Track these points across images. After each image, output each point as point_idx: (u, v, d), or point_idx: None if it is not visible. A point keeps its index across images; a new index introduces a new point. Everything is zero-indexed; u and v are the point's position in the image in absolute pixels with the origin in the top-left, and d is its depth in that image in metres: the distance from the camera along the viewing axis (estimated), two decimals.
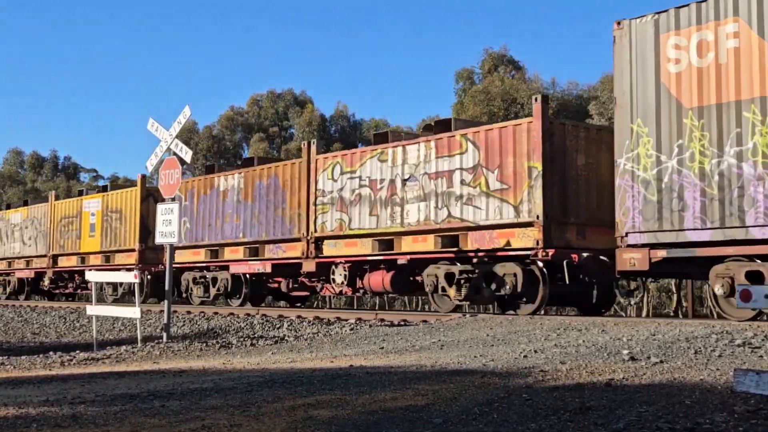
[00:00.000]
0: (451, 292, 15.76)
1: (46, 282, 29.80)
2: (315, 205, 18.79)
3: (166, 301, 14.60)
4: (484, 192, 15.34)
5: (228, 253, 21.52)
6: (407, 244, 16.84)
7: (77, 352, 13.48)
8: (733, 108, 11.61)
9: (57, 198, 30.86)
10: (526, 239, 14.60)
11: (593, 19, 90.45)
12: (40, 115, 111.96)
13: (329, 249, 18.59)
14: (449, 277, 15.91)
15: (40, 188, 61.98)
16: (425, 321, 14.63)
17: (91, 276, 16.65)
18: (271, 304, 25.79)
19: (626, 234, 12.76)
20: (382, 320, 15.62)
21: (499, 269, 15.12)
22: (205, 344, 13.15)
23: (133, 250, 25.03)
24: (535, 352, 9.08)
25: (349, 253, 18.04)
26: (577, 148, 14.90)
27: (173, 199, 14.99)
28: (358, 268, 18.28)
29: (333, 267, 18.64)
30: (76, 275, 28.60)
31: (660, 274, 15.59)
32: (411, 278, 17.43)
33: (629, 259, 12.67)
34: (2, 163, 70.27)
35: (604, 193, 14.35)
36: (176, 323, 17.60)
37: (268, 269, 20.24)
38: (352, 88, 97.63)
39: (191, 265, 22.82)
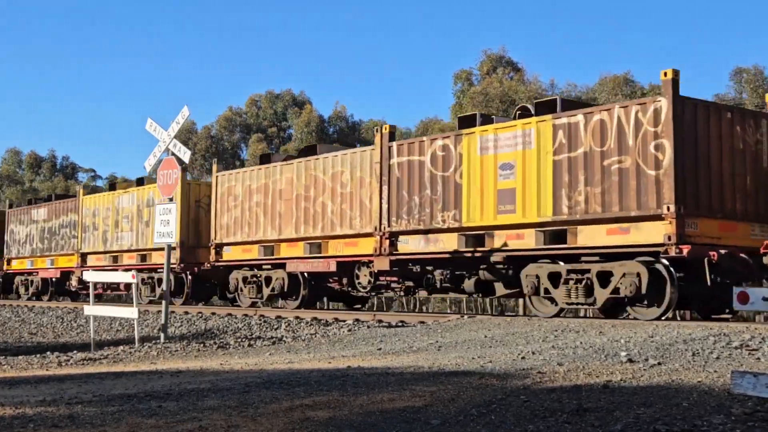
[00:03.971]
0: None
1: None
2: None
3: (163, 302, 14.58)
4: None
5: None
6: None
7: (74, 352, 13.48)
8: None
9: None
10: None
11: (592, 20, 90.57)
12: (38, 115, 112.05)
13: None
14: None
15: (38, 188, 62.00)
16: (423, 322, 14.64)
17: (89, 276, 16.64)
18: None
19: None
20: (380, 321, 15.61)
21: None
22: (202, 345, 13.14)
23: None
24: (533, 353, 9.08)
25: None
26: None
27: (171, 199, 14.98)
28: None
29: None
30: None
31: None
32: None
33: None
34: (0, 162, 70.29)
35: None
36: (174, 324, 17.57)
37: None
38: (350, 89, 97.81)
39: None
